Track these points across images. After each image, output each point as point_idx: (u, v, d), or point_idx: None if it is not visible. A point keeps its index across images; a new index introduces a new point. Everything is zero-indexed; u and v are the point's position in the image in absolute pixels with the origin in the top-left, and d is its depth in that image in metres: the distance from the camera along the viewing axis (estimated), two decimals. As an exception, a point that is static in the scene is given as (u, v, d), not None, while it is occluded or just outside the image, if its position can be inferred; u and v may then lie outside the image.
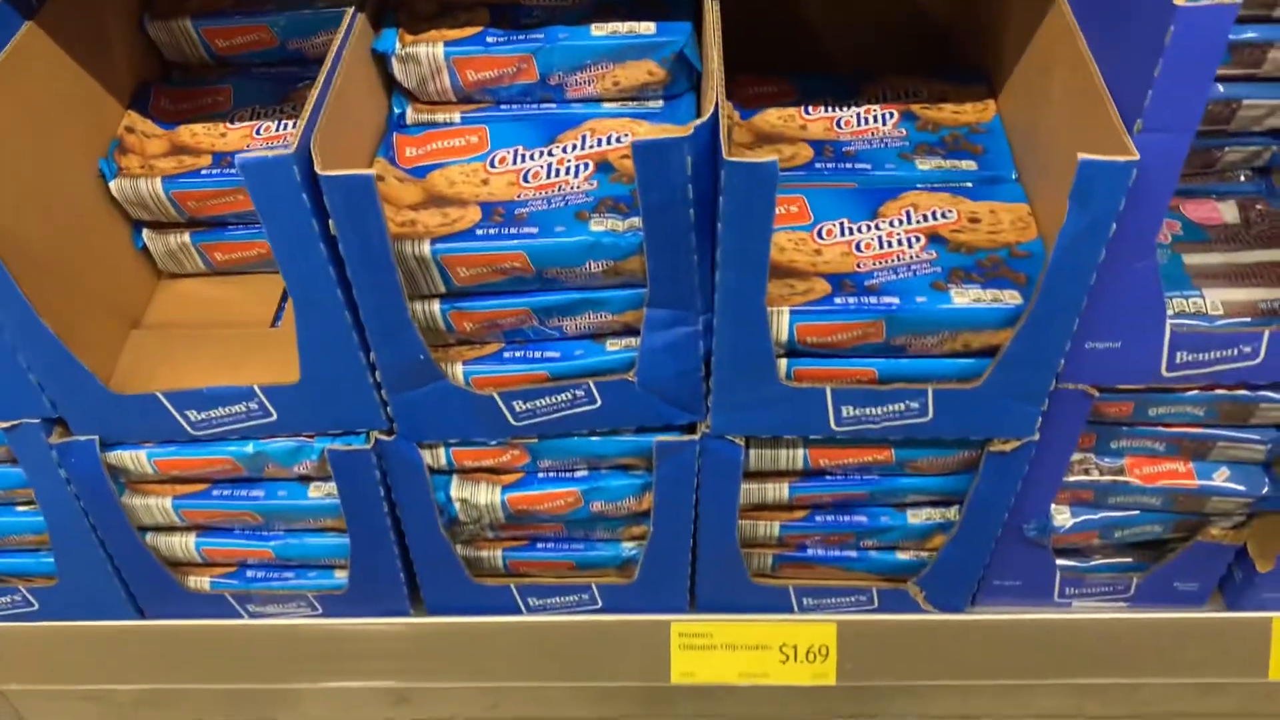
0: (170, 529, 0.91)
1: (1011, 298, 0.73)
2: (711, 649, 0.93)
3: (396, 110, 0.83)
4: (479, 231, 0.73)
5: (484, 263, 0.72)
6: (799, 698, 0.97)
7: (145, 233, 0.90)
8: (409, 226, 0.74)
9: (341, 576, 0.93)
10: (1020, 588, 0.93)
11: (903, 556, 0.91)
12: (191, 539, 0.90)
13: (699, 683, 0.94)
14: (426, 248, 0.72)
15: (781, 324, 0.73)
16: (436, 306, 0.76)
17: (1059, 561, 0.92)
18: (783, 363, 0.76)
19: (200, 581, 0.94)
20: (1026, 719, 1.00)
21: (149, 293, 0.93)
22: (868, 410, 0.77)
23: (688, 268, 0.71)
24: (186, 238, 0.90)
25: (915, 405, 0.77)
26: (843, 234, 0.78)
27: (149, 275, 0.93)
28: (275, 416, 0.80)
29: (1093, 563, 0.94)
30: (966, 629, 0.92)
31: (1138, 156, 0.63)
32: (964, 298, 0.73)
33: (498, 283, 0.74)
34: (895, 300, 0.73)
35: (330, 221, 0.68)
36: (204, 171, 0.85)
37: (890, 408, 0.77)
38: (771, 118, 0.88)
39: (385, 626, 0.94)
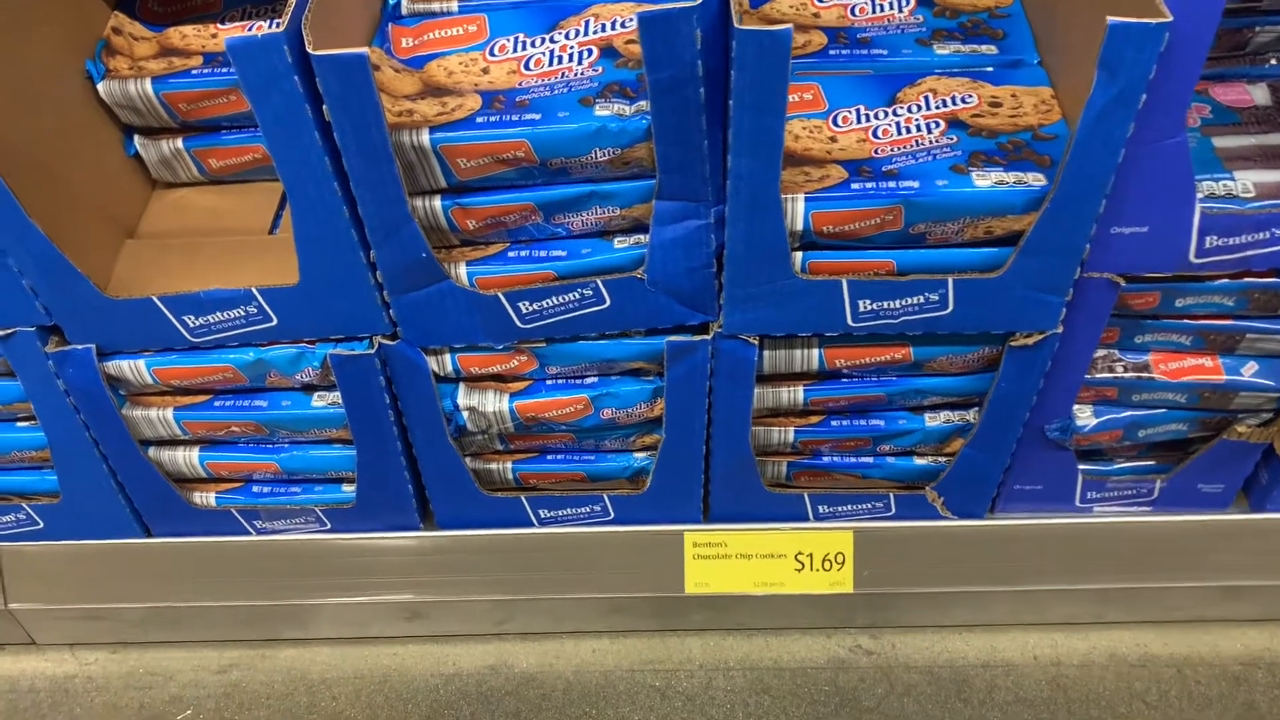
0: (173, 442, 0.89)
1: (1035, 179, 0.70)
2: (725, 559, 0.92)
3: (391, 1, 0.80)
4: (479, 119, 0.70)
5: (485, 152, 0.70)
6: (815, 607, 0.96)
7: (137, 138, 0.87)
8: (407, 117, 0.71)
9: (349, 490, 0.91)
10: (1041, 492, 0.92)
11: (920, 461, 0.90)
12: (195, 453, 0.89)
13: (713, 593, 0.93)
14: (425, 137, 0.69)
15: (796, 212, 0.70)
16: (438, 203, 0.73)
17: (1080, 466, 0.90)
18: (797, 256, 0.74)
19: (206, 497, 0.92)
20: (1047, 626, 0.99)
21: (143, 202, 0.90)
22: (885, 304, 0.75)
23: (698, 154, 0.68)
24: (179, 143, 0.87)
25: (935, 297, 0.74)
26: (859, 121, 0.75)
27: (142, 184, 0.90)
28: (275, 321, 0.78)
29: (1115, 465, 0.92)
30: (985, 535, 0.91)
31: (1170, 18, 0.59)
32: (985, 180, 0.70)
33: (500, 175, 0.72)
34: (914, 184, 0.70)
35: (325, 107, 0.65)
36: (195, 72, 0.82)
37: (909, 300, 0.74)
38: (782, 5, 0.84)
39: (395, 541, 0.93)
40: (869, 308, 0.75)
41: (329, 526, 0.93)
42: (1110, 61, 0.61)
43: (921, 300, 0.75)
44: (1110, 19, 0.59)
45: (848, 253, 0.74)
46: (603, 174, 0.72)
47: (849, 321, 0.76)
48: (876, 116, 0.75)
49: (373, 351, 0.79)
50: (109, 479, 0.89)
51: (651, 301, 0.77)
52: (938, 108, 0.76)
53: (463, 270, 0.76)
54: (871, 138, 0.74)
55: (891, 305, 0.75)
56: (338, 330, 0.79)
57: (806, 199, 0.70)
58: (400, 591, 0.95)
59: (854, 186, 0.70)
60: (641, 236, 0.75)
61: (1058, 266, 0.73)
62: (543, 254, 0.76)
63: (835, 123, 0.75)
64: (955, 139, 0.73)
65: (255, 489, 0.92)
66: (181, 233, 0.88)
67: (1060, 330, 0.77)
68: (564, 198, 0.73)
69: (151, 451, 0.89)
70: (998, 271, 0.73)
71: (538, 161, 0.70)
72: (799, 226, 0.71)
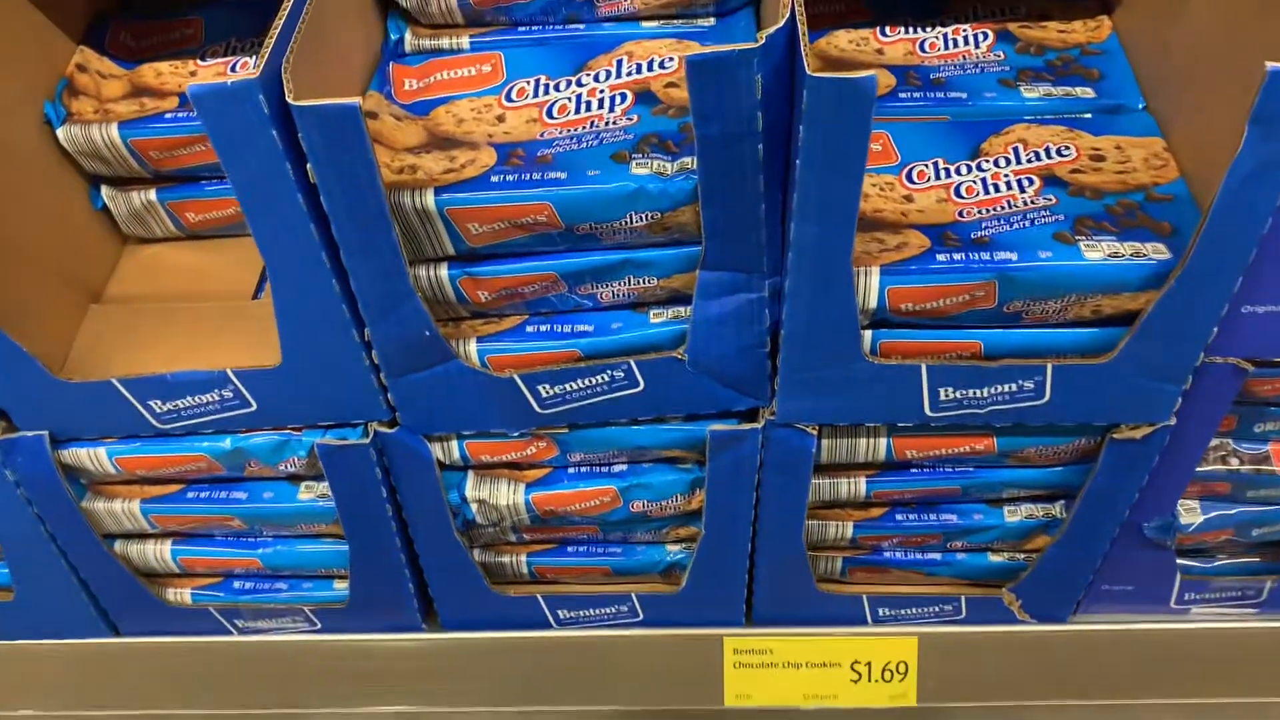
0: (141, 536, 0.78)
1: (1156, 251, 0.59)
2: (771, 667, 0.82)
3: (394, 36, 0.69)
4: (493, 178, 0.59)
5: (500, 217, 0.59)
6: None
7: (104, 190, 0.77)
8: (409, 174, 0.60)
9: (342, 587, 0.81)
10: (1132, 593, 0.82)
11: (996, 559, 0.80)
12: (167, 547, 0.78)
13: (757, 706, 0.84)
14: (430, 199, 0.58)
15: (870, 288, 0.59)
16: (444, 272, 0.63)
17: (1179, 562, 0.80)
18: (866, 336, 0.63)
19: (180, 594, 0.82)
20: None
21: (111, 261, 0.80)
22: (971, 392, 0.64)
23: (753, 219, 0.57)
24: (152, 195, 0.77)
25: (1029, 385, 0.63)
26: (938, 176, 0.64)
27: (111, 240, 0.80)
28: (255, 406, 0.67)
29: (1218, 563, 0.82)
30: (1068, 641, 0.82)
31: (1346, 62, 0.48)
32: (1097, 252, 0.59)
33: (518, 241, 0.61)
34: (1012, 256, 0.59)
35: (309, 166, 0.54)
36: (169, 115, 0.72)
37: (998, 389, 0.64)
38: (841, 41, 0.73)
39: (394, 643, 0.83)
40: (951, 396, 0.64)
41: (319, 627, 0.83)
42: (1267, 115, 0.50)
43: (1014, 389, 0.64)
44: (1271, 65, 0.48)
45: (927, 332, 0.63)
46: (638, 240, 0.61)
47: (926, 411, 0.65)
48: (958, 172, 0.65)
49: (367, 441, 0.68)
50: (69, 575, 0.79)
51: (693, 385, 0.66)
52: (1029, 161, 0.65)
53: (473, 348, 0.65)
54: (954, 197, 0.63)
55: (978, 394, 0.64)
56: (327, 416, 0.68)
57: (882, 272, 0.59)
58: (400, 700, 0.85)
59: (939, 258, 0.59)
60: (681, 309, 0.65)
61: (1178, 351, 0.62)
62: (566, 329, 0.66)
63: (910, 179, 0.64)
64: (1054, 200, 0.62)
65: (236, 585, 0.82)
66: (154, 296, 0.78)
67: (1173, 422, 0.65)
68: (592, 266, 0.62)
69: (118, 545, 0.78)
70: (1105, 357, 0.62)
71: (563, 227, 0.59)
72: (872, 304, 0.60)
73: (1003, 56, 0.72)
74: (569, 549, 0.81)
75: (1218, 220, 0.55)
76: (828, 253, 0.57)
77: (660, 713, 0.85)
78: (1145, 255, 0.59)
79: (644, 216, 0.59)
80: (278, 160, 0.54)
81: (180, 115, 0.72)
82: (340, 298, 0.61)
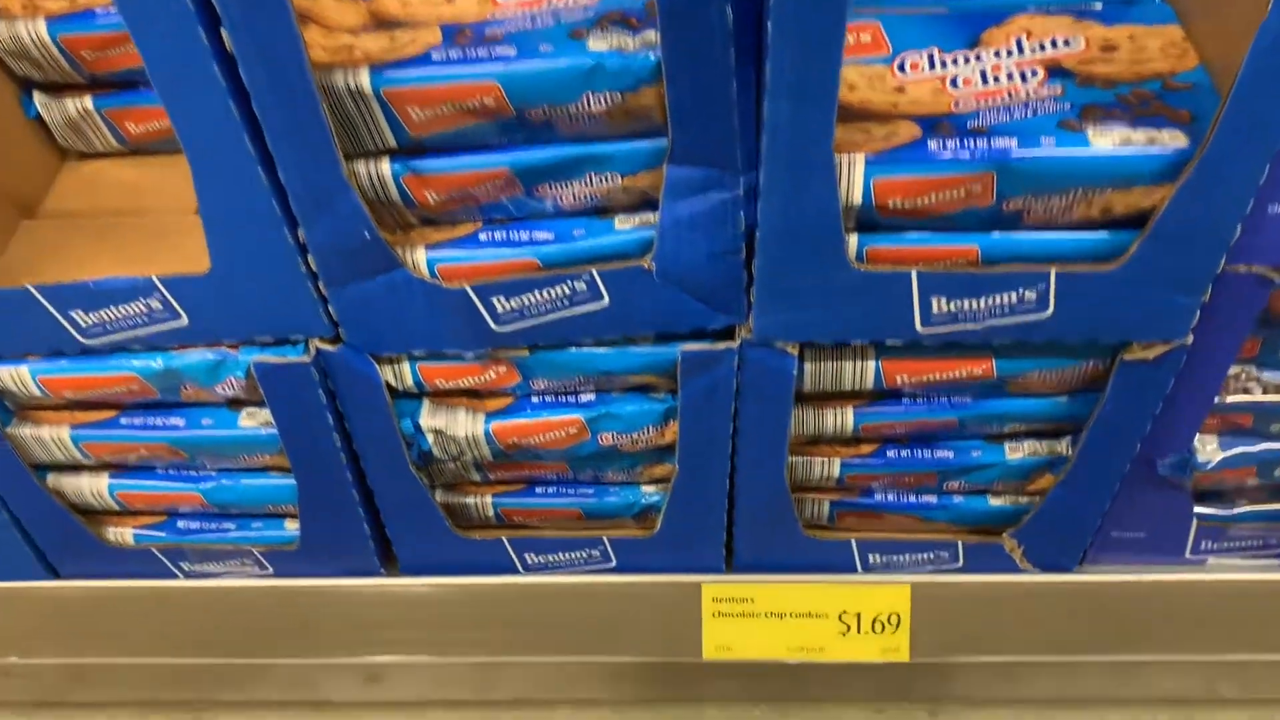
0: (75, 468, 0.73)
1: (1173, 139, 0.53)
2: (753, 617, 0.78)
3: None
4: (435, 55, 0.53)
5: (443, 98, 0.53)
6: (864, 677, 0.83)
7: (37, 96, 0.72)
8: (345, 54, 0.54)
9: (293, 528, 0.76)
10: (1144, 541, 0.77)
11: (996, 502, 0.75)
12: (103, 480, 0.73)
13: (737, 659, 0.80)
14: (365, 79, 0.53)
15: (854, 179, 0.54)
16: (386, 167, 0.57)
17: (1195, 509, 0.75)
18: (852, 240, 0.57)
19: (121, 533, 0.77)
20: (1148, 703, 0.83)
21: (48, 177, 0.75)
22: (966, 303, 0.58)
23: (723, 101, 0.52)
24: (89, 102, 0.71)
25: (1031, 296, 0.58)
26: (932, 67, 0.58)
27: (48, 153, 0.75)
28: (185, 319, 0.62)
29: (1237, 510, 0.76)
30: (1074, 593, 0.77)
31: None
32: (1106, 139, 0.53)
33: (466, 132, 0.56)
34: (1011, 144, 0.53)
35: (223, 30, 0.49)
36: (101, 10, 0.67)
37: (997, 299, 0.58)
38: (831, -68, 0.67)
39: (350, 589, 0.79)
40: (945, 309, 0.58)
41: (271, 571, 0.78)
42: (1301, -31, 0.44)
43: (1014, 299, 0.58)
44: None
45: (918, 235, 0.57)
46: (599, 130, 0.56)
47: (917, 326, 0.60)
48: (955, 63, 0.59)
49: (308, 359, 0.63)
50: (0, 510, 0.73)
51: (662, 299, 0.60)
52: (1033, 53, 0.59)
53: (421, 256, 0.60)
54: (949, 88, 0.57)
55: (974, 306, 0.58)
56: (265, 331, 0.63)
57: (868, 162, 0.53)
58: (358, 650, 0.81)
59: (931, 146, 0.53)
60: (650, 215, 0.59)
61: (1196, 256, 0.56)
62: (524, 236, 0.61)
63: (902, 69, 0.59)
64: (1060, 89, 0.57)
65: (181, 524, 0.77)
66: (92, 212, 0.73)
67: (1190, 340, 0.60)
68: (549, 162, 0.57)
69: (50, 478, 0.74)
70: (1115, 262, 0.56)
71: (513, 111, 0.54)
72: (857, 199, 0.54)
73: (1006, -55, 0.66)
74: (537, 489, 0.77)
75: (1241, 100, 0.49)
76: (805, 136, 0.51)
77: (635, 665, 0.81)
78: (1161, 143, 0.53)
79: (603, 99, 0.53)
80: (190, 24, 0.48)
81: (114, 10, 0.67)
82: (269, 190, 0.55)
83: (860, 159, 0.53)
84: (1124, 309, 0.58)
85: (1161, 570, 0.77)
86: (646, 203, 0.60)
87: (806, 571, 0.77)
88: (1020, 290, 0.58)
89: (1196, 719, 0.85)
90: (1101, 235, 0.56)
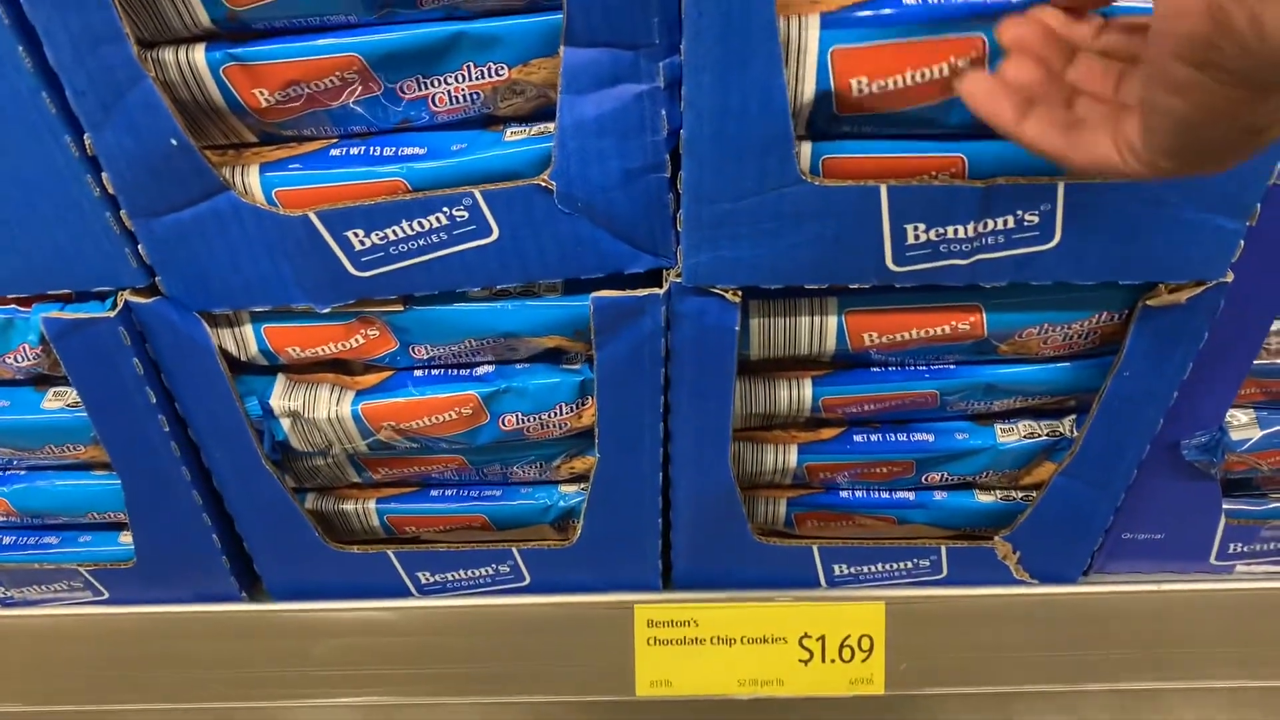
0: None
1: (1215, 2, 0.41)
2: (696, 644, 0.69)
3: None
4: (252, -108, 0.41)
5: (264, -50, 0.41)
6: (830, 714, 0.74)
7: None
8: (136, -102, 0.42)
9: (128, 541, 0.62)
10: (1161, 544, 0.69)
11: (985, 498, 0.66)
12: (-116, 483, 0.60)
13: (677, 695, 0.70)
14: (158, -76, 0.40)
15: (806, 51, 0.42)
16: (200, 56, 0.45)
17: (1225, 505, 0.67)
18: (805, 150, 0.45)
19: (-85, 552, 0.63)
20: None
21: None
22: (950, 231, 0.47)
23: (632, -48, 0.40)
24: None
25: (1032, 219, 0.46)
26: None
27: None
28: (-46, 264, 0.48)
29: (1272, 503, 0.67)
30: (1079, 608, 0.70)
31: None
32: None
33: (302, 1, 0.42)
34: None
35: None
36: None
37: (988, 225, 0.46)
38: None
39: (205, 617, 0.68)
40: (922, 237, 0.47)
41: (106, 596, 0.68)
42: None
43: (1010, 224, 0.46)
44: None
45: (889, 143, 0.45)
46: (474, 2, 0.43)
47: (889, 263, 0.49)
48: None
49: (113, 314, 0.49)
50: None
51: (567, 232, 0.49)
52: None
53: (255, 178, 0.48)
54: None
55: (960, 233, 0.46)
56: (59, 282, 0.50)
57: (823, 24, 0.41)
58: (215, 695, 0.69)
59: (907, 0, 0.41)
60: (549, 125, 0.47)
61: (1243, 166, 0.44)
62: (388, 152, 0.49)
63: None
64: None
65: (-10, 539, 0.63)
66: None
67: (1230, 278, 0.48)
68: (412, 45, 0.46)
69: None
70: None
71: (354, -31, 0.41)
72: (809, 85, 0.43)
73: None
74: (431, 492, 0.66)
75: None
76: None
77: (554, 706, 0.70)
78: (1200, 7, 0.41)
79: (474, -48, 0.41)
80: None
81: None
82: (36, 78, 0.42)
83: (814, 21, 0.41)
84: (1148, 236, 0.48)
85: (1183, 579, 0.70)
86: (545, 110, 0.48)
87: (760, 587, 0.68)
88: (1018, 212, 0.46)
89: (1224, 758, 0.74)
90: (1120, 139, 0.45)
